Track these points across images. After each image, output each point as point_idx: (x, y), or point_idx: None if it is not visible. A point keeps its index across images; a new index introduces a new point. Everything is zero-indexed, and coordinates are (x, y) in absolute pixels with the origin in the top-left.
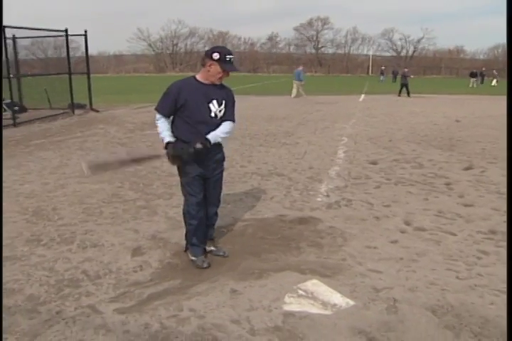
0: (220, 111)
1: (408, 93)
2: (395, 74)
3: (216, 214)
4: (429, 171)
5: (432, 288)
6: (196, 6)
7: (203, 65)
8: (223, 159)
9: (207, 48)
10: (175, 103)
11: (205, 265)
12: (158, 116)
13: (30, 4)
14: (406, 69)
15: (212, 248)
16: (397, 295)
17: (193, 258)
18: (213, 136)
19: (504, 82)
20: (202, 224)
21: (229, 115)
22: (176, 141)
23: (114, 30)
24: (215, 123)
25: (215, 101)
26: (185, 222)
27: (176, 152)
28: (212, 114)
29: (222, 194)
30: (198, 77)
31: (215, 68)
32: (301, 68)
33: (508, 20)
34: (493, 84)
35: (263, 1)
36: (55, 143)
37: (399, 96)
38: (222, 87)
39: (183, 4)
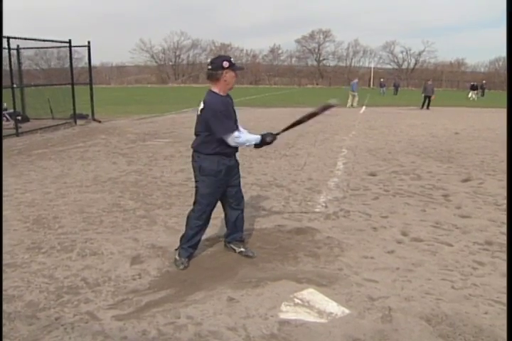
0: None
1: (423, 105)
2: (396, 86)
3: (242, 217)
4: (428, 183)
5: (427, 297)
6: (199, 18)
7: (218, 79)
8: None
9: (209, 60)
10: (231, 116)
11: (181, 267)
12: (231, 135)
13: (33, 15)
14: (430, 82)
15: (242, 249)
16: (393, 304)
17: (177, 257)
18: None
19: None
20: (202, 231)
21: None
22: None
23: (116, 42)
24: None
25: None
26: (187, 226)
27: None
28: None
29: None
30: (218, 91)
31: (230, 74)
32: (356, 80)
33: (508, 29)
34: (469, 96)
35: (265, 13)
36: (57, 153)
37: (427, 109)
38: (230, 98)
39: (186, 16)
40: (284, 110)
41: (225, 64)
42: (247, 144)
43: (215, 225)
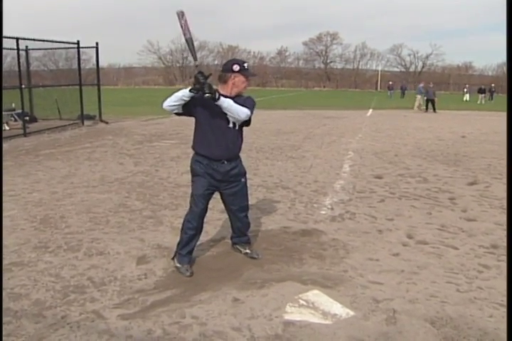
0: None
1: (427, 108)
2: (403, 89)
3: (244, 221)
4: (434, 186)
5: (432, 300)
6: (207, 20)
7: (225, 81)
8: (242, 173)
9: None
10: (193, 100)
11: (187, 273)
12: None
13: (41, 16)
14: (430, 85)
15: (248, 250)
16: (397, 306)
17: (178, 265)
18: (226, 99)
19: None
20: (197, 236)
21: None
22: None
23: (124, 43)
24: (234, 133)
25: None
26: (182, 231)
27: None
28: (231, 124)
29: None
30: (224, 93)
31: (240, 79)
32: (422, 84)
33: (508, 32)
34: (465, 99)
35: (273, 15)
36: (64, 153)
37: (434, 112)
38: (241, 97)
39: (194, 18)
40: (291, 112)
41: (235, 67)
42: (174, 99)
43: (219, 226)
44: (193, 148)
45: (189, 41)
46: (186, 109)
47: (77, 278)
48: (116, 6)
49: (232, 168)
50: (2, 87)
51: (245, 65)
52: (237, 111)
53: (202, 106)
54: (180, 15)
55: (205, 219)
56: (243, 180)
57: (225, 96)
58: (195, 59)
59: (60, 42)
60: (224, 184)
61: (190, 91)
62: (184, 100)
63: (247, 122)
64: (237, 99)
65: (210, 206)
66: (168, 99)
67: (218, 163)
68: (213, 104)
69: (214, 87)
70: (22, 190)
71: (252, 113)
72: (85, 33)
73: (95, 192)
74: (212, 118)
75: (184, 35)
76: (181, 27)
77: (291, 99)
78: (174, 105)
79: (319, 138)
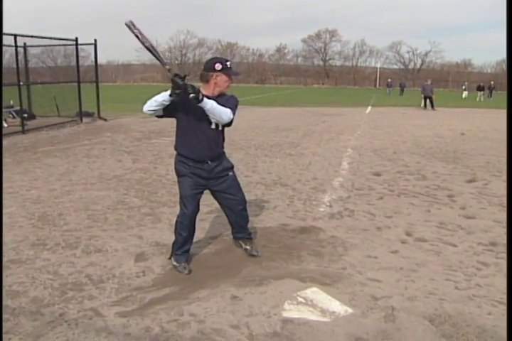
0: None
1: (425, 105)
2: (402, 86)
3: (243, 215)
4: (433, 183)
5: (431, 297)
6: (205, 17)
7: (207, 81)
8: (228, 167)
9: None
10: (174, 103)
11: (185, 271)
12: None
13: (39, 13)
14: (429, 82)
15: (248, 247)
16: (396, 303)
17: (175, 263)
18: (210, 101)
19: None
20: (191, 236)
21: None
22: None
23: (123, 40)
24: (216, 134)
25: None
26: (175, 232)
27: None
28: (213, 126)
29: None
30: (205, 93)
31: (222, 78)
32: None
33: (508, 30)
34: (463, 96)
35: (272, 12)
36: (63, 151)
37: (433, 109)
38: (224, 96)
39: (193, 15)
40: (290, 110)
41: (218, 66)
42: (155, 104)
43: (217, 222)
44: (176, 148)
45: (151, 48)
46: (167, 111)
47: (75, 275)
48: (115, 3)
49: (217, 165)
50: (1, 84)
51: (228, 63)
52: (219, 114)
53: (183, 108)
54: (131, 25)
55: (203, 216)
56: (231, 173)
57: (208, 97)
58: (164, 64)
59: (59, 39)
60: (211, 181)
61: (170, 96)
62: (164, 104)
63: (228, 123)
64: (219, 98)
65: (208, 202)
66: (148, 104)
67: (203, 164)
68: (195, 106)
69: (195, 85)
70: (20, 187)
71: (234, 114)
72: (84, 30)
73: (93, 190)
74: (194, 120)
75: (143, 43)
76: (137, 37)
77: (290, 96)
78: (154, 110)
79: (318, 136)
